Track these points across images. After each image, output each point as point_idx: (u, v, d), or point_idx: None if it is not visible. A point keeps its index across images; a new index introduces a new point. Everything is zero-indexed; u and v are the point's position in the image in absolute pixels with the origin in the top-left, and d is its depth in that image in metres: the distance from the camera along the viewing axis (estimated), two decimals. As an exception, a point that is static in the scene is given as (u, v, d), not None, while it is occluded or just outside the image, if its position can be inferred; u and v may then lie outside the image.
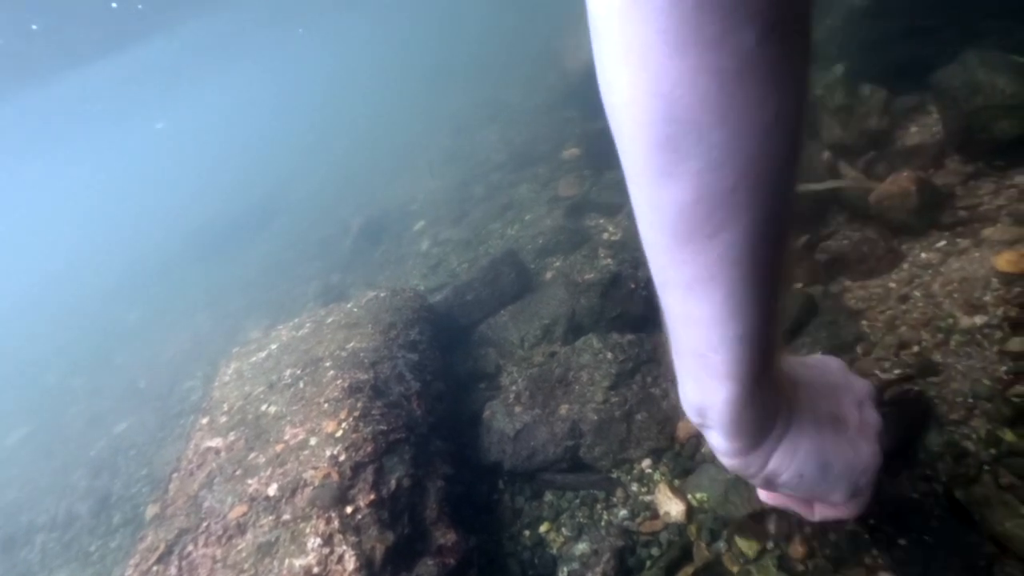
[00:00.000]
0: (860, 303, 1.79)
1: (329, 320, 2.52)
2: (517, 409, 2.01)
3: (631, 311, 2.11)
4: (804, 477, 0.70)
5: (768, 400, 0.65)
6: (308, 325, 2.55)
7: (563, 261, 2.98)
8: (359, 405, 1.77)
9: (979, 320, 1.48)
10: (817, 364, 0.86)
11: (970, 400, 1.34)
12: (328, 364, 2.07)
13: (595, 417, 1.85)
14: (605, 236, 3.03)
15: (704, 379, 0.62)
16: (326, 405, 1.81)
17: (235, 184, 12.72)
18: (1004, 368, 1.35)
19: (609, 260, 2.19)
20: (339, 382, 1.90)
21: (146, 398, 4.88)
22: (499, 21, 14.40)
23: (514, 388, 2.12)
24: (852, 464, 0.71)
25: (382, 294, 2.64)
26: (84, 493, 3.65)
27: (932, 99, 2.26)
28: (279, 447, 1.73)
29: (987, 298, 1.52)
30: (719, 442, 0.67)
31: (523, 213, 4.04)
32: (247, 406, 2.04)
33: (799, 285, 1.97)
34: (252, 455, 1.76)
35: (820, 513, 0.78)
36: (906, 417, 1.38)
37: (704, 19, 0.36)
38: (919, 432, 1.35)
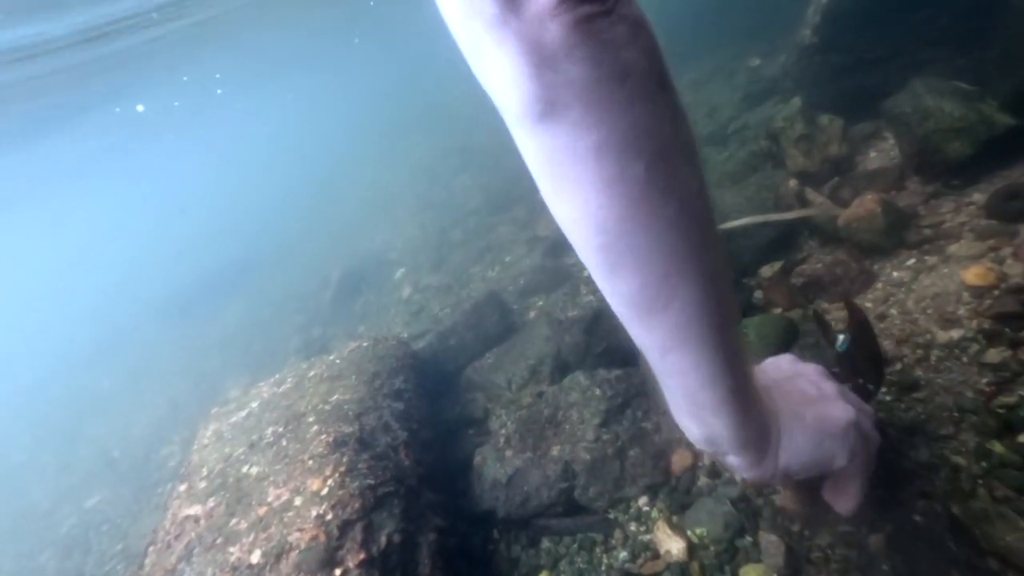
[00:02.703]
0: (840, 324, 1.82)
1: (311, 374, 2.46)
2: (508, 453, 1.96)
3: (616, 345, 2.10)
4: (811, 458, 0.81)
5: (759, 411, 0.77)
6: (290, 380, 2.49)
7: (545, 300, 2.99)
8: (345, 460, 1.71)
9: (955, 334, 1.51)
10: (770, 366, 1.03)
11: (956, 414, 1.35)
12: (311, 419, 2.01)
13: (587, 456, 1.82)
14: (585, 273, 3.05)
15: (702, 415, 0.74)
16: (310, 462, 1.74)
17: (208, 243, 12.62)
18: (985, 380, 1.37)
19: (591, 296, 2.20)
20: (323, 437, 1.84)
21: (120, 468, 4.66)
22: (461, 70, 14.89)
23: (503, 432, 2.08)
24: (834, 427, 0.83)
25: (365, 344, 2.60)
26: (53, 576, 3.42)
27: (886, 125, 2.37)
28: (262, 510, 1.66)
29: (960, 312, 1.55)
30: (736, 461, 0.79)
31: (503, 255, 4.07)
32: (227, 469, 1.95)
33: (778, 310, 2.00)
34: (233, 521, 1.68)
35: (841, 497, 0.90)
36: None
37: (605, 162, 0.52)
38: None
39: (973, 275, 1.62)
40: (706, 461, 1.72)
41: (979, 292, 1.57)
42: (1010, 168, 1.79)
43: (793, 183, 2.41)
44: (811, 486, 0.97)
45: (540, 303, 3.03)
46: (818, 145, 2.43)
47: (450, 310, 3.63)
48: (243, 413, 2.33)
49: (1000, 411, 1.29)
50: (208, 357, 6.15)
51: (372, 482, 1.64)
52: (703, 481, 1.68)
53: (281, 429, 2.03)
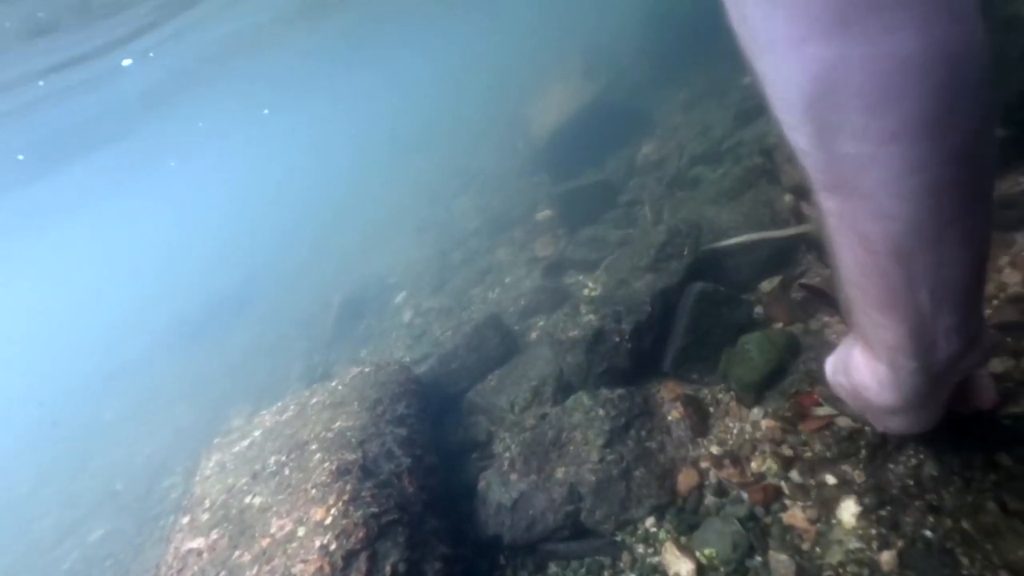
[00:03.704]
0: (841, 336, 1.81)
1: (313, 401, 2.46)
2: (512, 477, 1.94)
3: (618, 364, 2.10)
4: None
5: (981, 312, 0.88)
6: (292, 408, 2.48)
7: (546, 320, 2.99)
8: (348, 488, 1.70)
9: (956, 344, 1.50)
10: None
11: (962, 425, 1.33)
12: (314, 447, 2.00)
13: (592, 478, 1.80)
14: (585, 292, 3.06)
15: (958, 302, 0.79)
16: (313, 491, 1.73)
17: (210, 270, 12.70)
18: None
19: (591, 316, 2.20)
20: (326, 465, 1.83)
21: (123, 501, 4.63)
22: (464, 91, 15.09)
23: (507, 455, 2.06)
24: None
25: (367, 369, 2.59)
26: (54, 614, 3.37)
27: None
28: (265, 542, 1.64)
29: (960, 322, 1.55)
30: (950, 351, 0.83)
31: (503, 276, 4.08)
32: (230, 500, 1.94)
33: (779, 325, 2.00)
34: (237, 553, 1.66)
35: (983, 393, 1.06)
36: None
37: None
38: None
39: (971, 285, 1.62)
40: (715, 479, 1.70)
41: (978, 302, 1.57)
42: (1002, 176, 1.80)
43: (788, 198, 2.42)
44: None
45: (541, 324, 3.03)
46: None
47: (451, 333, 3.63)
48: (246, 442, 2.32)
49: (1006, 422, 1.28)
50: (212, 385, 6.14)
51: (376, 510, 1.62)
52: (710, 500, 1.66)
53: (284, 458, 2.02)
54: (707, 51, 4.80)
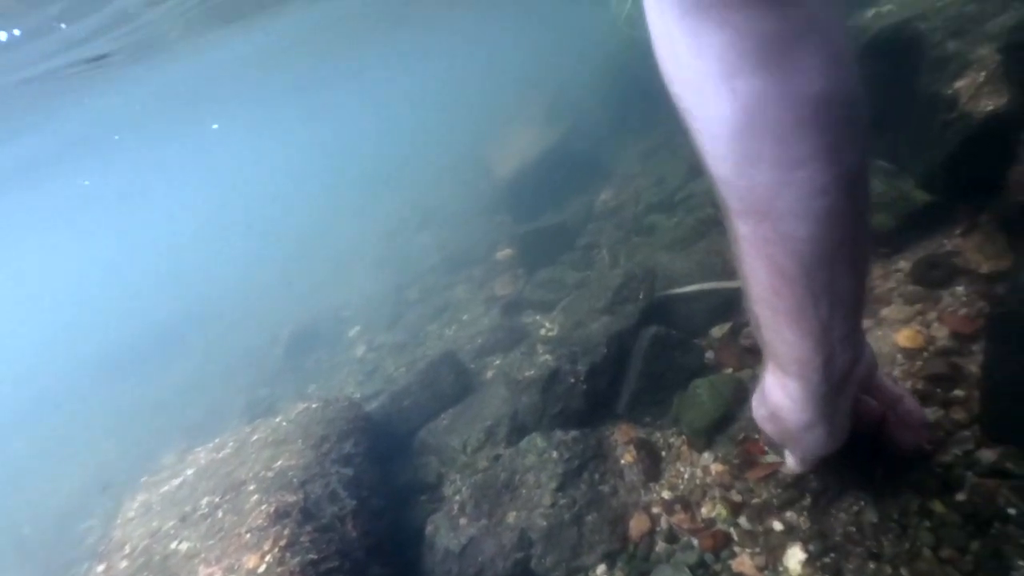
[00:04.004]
0: (786, 384, 1.87)
1: (254, 438, 2.33)
2: (462, 521, 1.88)
3: (572, 406, 2.09)
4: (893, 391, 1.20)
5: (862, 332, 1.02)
6: (231, 445, 2.34)
7: (502, 359, 2.97)
8: (286, 533, 1.60)
9: (892, 394, 1.57)
10: None
11: (898, 473, 1.38)
12: (252, 487, 1.88)
13: (544, 523, 1.76)
14: (542, 332, 3.07)
15: (840, 317, 0.89)
16: (248, 536, 1.62)
17: (152, 295, 12.06)
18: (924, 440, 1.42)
19: (547, 356, 2.20)
20: (264, 507, 1.72)
21: (30, 548, 4.19)
22: (428, 129, 15.28)
23: (458, 498, 2.00)
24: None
25: (314, 405, 2.49)
26: None
27: (818, 197, 2.55)
28: (189, 592, 1.51)
29: (896, 372, 1.63)
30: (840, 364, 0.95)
31: (460, 314, 4.06)
32: (153, 545, 1.79)
33: (729, 370, 2.05)
34: (156, 606, 1.52)
35: (907, 430, 1.22)
36: None
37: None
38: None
39: (904, 338, 1.71)
40: (666, 525, 1.69)
41: (911, 354, 1.66)
42: (929, 239, 1.94)
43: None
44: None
45: (497, 363, 3.00)
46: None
47: (405, 369, 3.55)
48: (176, 482, 2.16)
49: (938, 470, 1.34)
50: (144, 419, 5.74)
51: (315, 557, 1.53)
52: (661, 546, 1.65)
53: (218, 499, 1.89)
54: (661, 106, 5.05)
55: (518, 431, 2.25)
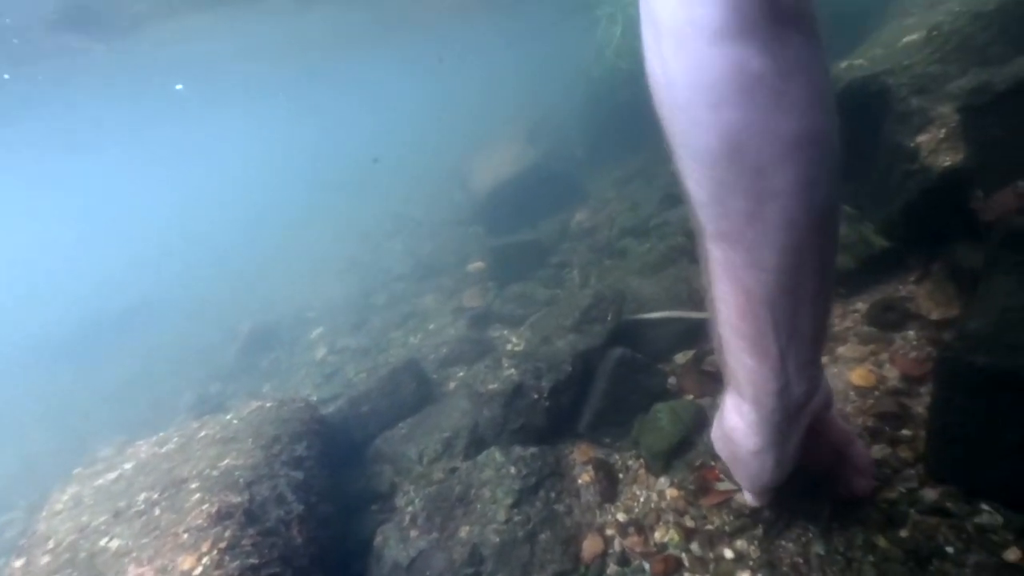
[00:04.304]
0: (744, 414, 1.91)
1: (202, 434, 2.23)
2: (412, 533, 1.83)
3: (534, 422, 2.08)
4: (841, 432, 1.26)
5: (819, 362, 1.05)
6: (175, 440, 2.23)
7: (466, 371, 2.94)
8: (227, 534, 1.52)
9: (845, 429, 1.62)
10: None
11: (846, 506, 1.42)
12: (194, 485, 1.80)
13: (497, 539, 1.73)
14: (508, 347, 3.05)
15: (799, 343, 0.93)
16: (185, 536, 1.54)
17: (106, 279, 11.52)
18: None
19: (512, 370, 2.19)
20: (205, 507, 1.64)
21: (-62, 541, 3.88)
22: (409, 137, 15.23)
23: (410, 509, 1.95)
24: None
25: (268, 404, 2.41)
26: None
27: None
28: (116, 593, 1.42)
29: (848, 409, 1.68)
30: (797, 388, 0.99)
31: (426, 322, 4.01)
32: (80, 541, 1.68)
33: (690, 396, 2.08)
34: (77, 606, 1.42)
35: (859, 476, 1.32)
36: None
37: None
38: (807, 541, 1.39)
39: (858, 376, 1.78)
40: (619, 547, 1.69)
41: (863, 392, 1.71)
42: (886, 283, 2.03)
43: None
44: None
45: (460, 374, 2.97)
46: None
47: (366, 375, 3.48)
48: (112, 475, 2.05)
49: (883, 506, 1.38)
50: (81, 410, 5.44)
51: (255, 562, 1.46)
52: (613, 569, 1.64)
53: (156, 496, 1.79)
54: (641, 137, 5.18)
55: (477, 444, 2.22)
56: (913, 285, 1.97)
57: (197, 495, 1.73)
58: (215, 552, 1.45)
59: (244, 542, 1.51)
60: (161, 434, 2.35)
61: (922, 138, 1.86)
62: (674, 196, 3.75)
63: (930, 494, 1.35)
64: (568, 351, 2.21)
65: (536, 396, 2.08)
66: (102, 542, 1.63)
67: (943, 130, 1.82)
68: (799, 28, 0.70)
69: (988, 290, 1.35)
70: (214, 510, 1.61)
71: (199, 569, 1.41)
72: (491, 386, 2.19)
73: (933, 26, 2.05)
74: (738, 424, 1.07)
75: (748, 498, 1.27)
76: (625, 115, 5.10)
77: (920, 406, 1.57)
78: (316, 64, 12.33)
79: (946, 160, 1.79)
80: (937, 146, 1.81)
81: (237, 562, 1.43)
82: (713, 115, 0.72)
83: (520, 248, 4.07)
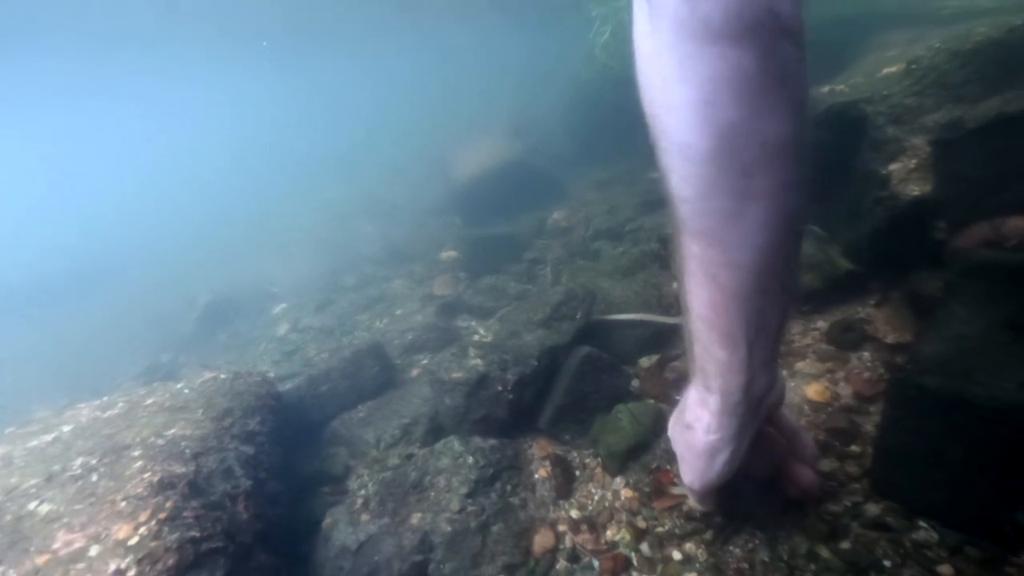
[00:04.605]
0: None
1: (149, 401, 2.14)
2: (363, 517, 1.80)
3: (496, 414, 2.07)
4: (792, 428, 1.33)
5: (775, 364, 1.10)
6: (120, 405, 2.14)
7: (431, 359, 2.91)
8: (168, 505, 1.46)
9: (797, 441, 1.66)
10: None
11: (793, 515, 1.45)
12: (137, 453, 1.72)
13: (449, 528, 1.72)
14: (476, 338, 3.03)
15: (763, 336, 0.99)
16: (123, 504, 1.47)
17: (72, 237, 10.98)
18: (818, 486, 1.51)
19: (478, 360, 2.17)
20: (147, 476, 1.57)
21: None
22: (392, 122, 15.02)
23: (363, 493, 1.92)
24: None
25: (222, 375, 2.33)
26: None
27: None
28: (41, 559, 1.35)
29: (802, 423, 1.72)
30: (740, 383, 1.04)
31: (394, 307, 3.96)
32: (7, 503, 1.59)
33: (652, 400, 2.10)
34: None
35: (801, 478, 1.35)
36: None
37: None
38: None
39: (813, 391, 1.82)
40: (570, 544, 1.69)
41: (817, 407, 1.76)
42: (847, 304, 2.09)
43: (676, 285, 2.62)
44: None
45: (424, 361, 2.94)
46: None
47: (328, 355, 3.41)
48: (48, 437, 1.95)
49: (827, 517, 1.42)
50: (17, 369, 5.18)
51: (196, 535, 1.41)
52: (562, 564, 1.64)
53: (95, 461, 1.71)
54: (626, 141, 5.23)
55: (436, 432, 2.20)
56: (872, 308, 2.03)
57: (139, 463, 1.65)
58: (154, 522, 1.39)
59: (186, 514, 1.45)
60: (105, 398, 2.25)
61: (894, 166, 1.92)
62: (652, 203, 3.79)
63: (873, 509, 1.39)
64: (536, 346, 2.21)
65: (500, 388, 2.07)
66: (31, 506, 1.55)
67: (914, 160, 1.88)
68: (790, 38, 0.73)
69: (944, 318, 1.40)
70: (156, 479, 1.55)
71: (135, 538, 1.34)
72: (455, 375, 2.17)
73: (912, 60, 2.12)
74: (702, 415, 1.10)
75: (691, 499, 1.30)
76: (612, 118, 5.13)
77: (870, 424, 1.62)
78: (311, 41, 12.04)
79: (915, 190, 1.85)
80: (908, 175, 1.87)
81: (177, 534, 1.37)
82: (707, 113, 0.74)
83: (495, 241, 4.05)
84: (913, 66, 2.10)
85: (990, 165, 1.84)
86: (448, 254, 4.63)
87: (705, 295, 0.92)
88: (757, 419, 1.11)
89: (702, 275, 0.90)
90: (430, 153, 8.02)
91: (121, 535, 1.36)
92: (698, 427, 1.12)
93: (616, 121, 5.05)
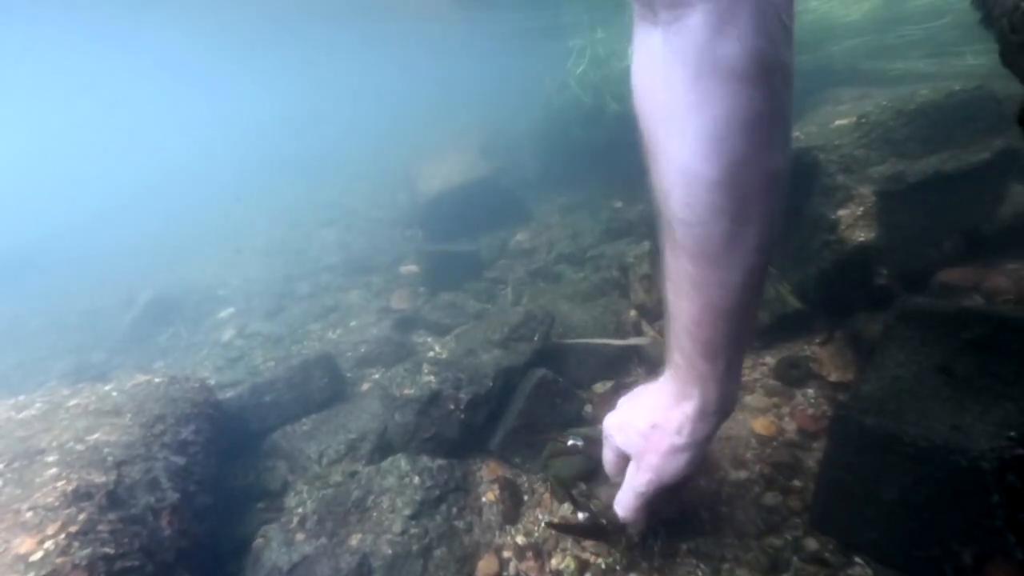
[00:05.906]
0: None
1: (73, 403, 1.99)
2: (299, 537, 1.71)
3: (446, 433, 2.02)
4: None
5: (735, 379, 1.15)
6: (38, 405, 1.98)
7: (383, 373, 2.83)
8: (81, 518, 1.34)
9: (743, 475, 1.69)
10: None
11: (737, 547, 1.47)
12: (52, 459, 1.59)
13: (389, 551, 1.65)
14: (431, 354, 2.98)
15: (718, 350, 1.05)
16: (29, 514, 1.34)
17: (17, 222, 10.25)
18: (759, 519, 1.53)
19: (432, 377, 2.13)
20: (60, 484, 1.45)
21: None
22: (359, 131, 14.86)
23: (300, 511, 1.83)
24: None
25: (157, 379, 2.19)
26: None
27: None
28: (-72, 574, 1.21)
29: (748, 456, 1.75)
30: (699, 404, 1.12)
31: (348, 318, 3.86)
32: None
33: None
34: None
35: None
36: None
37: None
38: None
39: (760, 425, 1.86)
40: (514, 571, 1.65)
41: (763, 440, 1.80)
42: (795, 341, 2.16)
43: (634, 313, 2.66)
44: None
45: (376, 375, 2.86)
46: (657, 286, 2.75)
47: (274, 364, 3.28)
48: (-48, 438, 1.77)
49: (769, 551, 1.44)
50: (-71, 360, 4.75)
51: (110, 551, 1.30)
52: (503, 593, 1.59)
53: (2, 466, 1.57)
54: (591, 172, 5.33)
55: (383, 450, 2.13)
56: (818, 347, 2.11)
57: (53, 470, 1.52)
58: (63, 536, 1.27)
59: (101, 528, 1.33)
60: (22, 397, 2.08)
61: (843, 212, 2.01)
62: (614, 231, 3.86)
63: (812, 543, 1.42)
64: (491, 366, 2.18)
65: (453, 407, 2.03)
66: (-77, 513, 1.40)
67: (861, 208, 1.98)
68: (787, 81, 0.81)
69: (882, 359, 1.46)
70: (71, 488, 1.42)
71: (39, 553, 1.22)
72: (407, 391, 2.11)
73: (862, 114, 2.25)
74: (673, 417, 1.14)
75: (621, 510, 1.28)
76: (580, 147, 5.23)
77: (812, 460, 1.66)
78: (283, 39, 11.84)
79: (860, 236, 1.94)
80: (855, 222, 1.97)
81: (88, 549, 1.26)
82: (720, 146, 0.80)
83: (457, 258, 4.02)
84: (863, 120, 2.23)
85: (927, 218, 1.96)
86: (408, 268, 4.57)
87: (695, 310, 0.97)
88: (719, 425, 1.16)
89: (694, 292, 0.95)
90: (395, 165, 7.95)
91: (23, 549, 1.24)
92: (668, 428, 1.16)
93: (584, 150, 5.16)
